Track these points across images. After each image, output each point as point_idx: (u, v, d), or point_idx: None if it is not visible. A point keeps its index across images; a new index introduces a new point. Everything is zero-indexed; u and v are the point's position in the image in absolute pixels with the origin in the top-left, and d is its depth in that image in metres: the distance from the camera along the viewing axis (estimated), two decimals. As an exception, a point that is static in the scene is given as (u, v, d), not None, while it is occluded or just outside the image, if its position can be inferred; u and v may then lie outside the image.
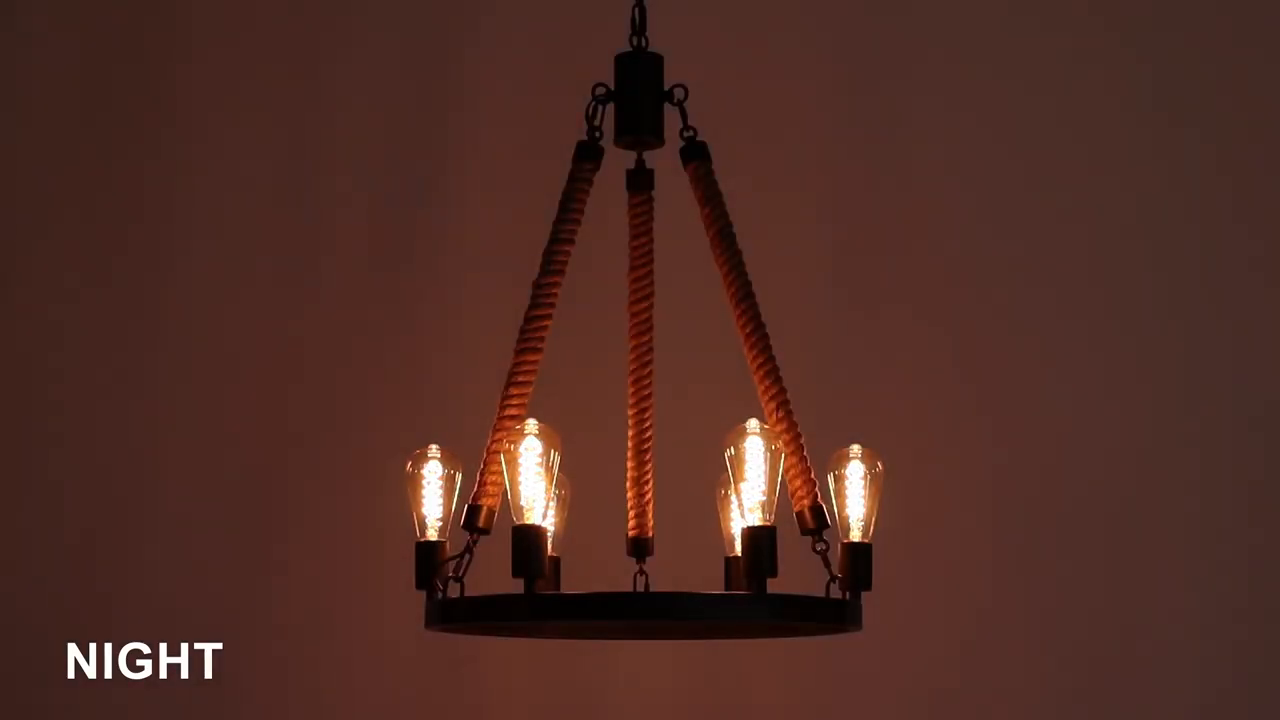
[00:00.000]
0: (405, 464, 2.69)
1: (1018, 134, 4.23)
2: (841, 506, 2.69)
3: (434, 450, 2.69)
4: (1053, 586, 4.11)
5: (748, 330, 2.68)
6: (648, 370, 2.81)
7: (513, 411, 2.62)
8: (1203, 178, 4.19)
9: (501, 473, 2.56)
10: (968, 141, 4.22)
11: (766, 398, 2.66)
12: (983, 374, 4.18)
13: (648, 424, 2.80)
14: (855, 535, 2.69)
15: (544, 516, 2.54)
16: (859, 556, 2.67)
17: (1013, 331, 4.19)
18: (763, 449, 2.55)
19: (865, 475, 2.70)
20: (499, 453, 2.57)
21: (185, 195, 4.22)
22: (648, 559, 2.79)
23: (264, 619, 4.11)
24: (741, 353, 2.68)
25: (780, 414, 2.64)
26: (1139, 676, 4.09)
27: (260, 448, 4.16)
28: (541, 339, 2.66)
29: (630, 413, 2.80)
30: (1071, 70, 4.23)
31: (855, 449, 2.71)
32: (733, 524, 2.82)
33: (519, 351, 2.65)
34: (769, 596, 2.57)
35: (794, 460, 2.63)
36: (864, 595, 2.66)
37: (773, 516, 2.54)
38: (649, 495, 2.80)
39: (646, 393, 2.81)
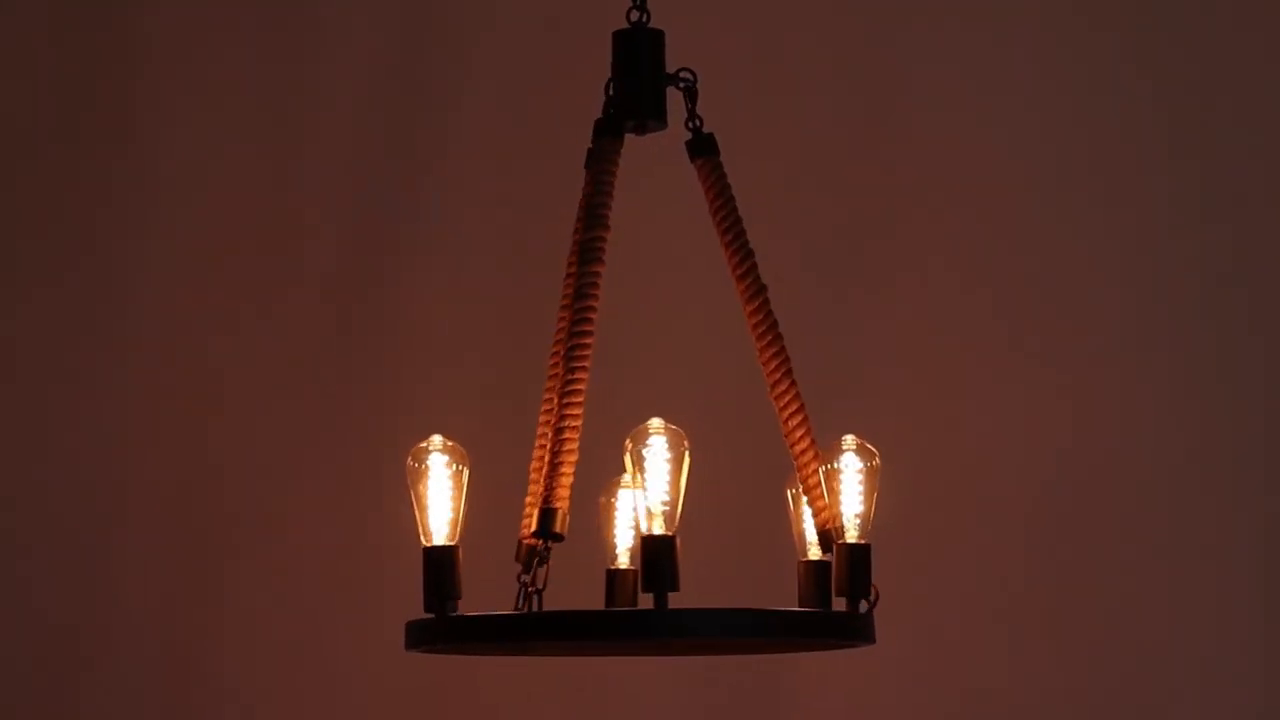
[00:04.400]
0: (407, 460, 2.45)
1: (1032, 121, 3.96)
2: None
3: (437, 441, 2.44)
4: (1056, 587, 3.86)
5: (760, 330, 2.47)
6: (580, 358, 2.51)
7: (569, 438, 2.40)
8: (1208, 173, 3.93)
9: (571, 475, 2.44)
10: (980, 131, 3.96)
11: (781, 404, 2.45)
12: (984, 372, 3.94)
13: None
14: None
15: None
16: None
17: (1016, 327, 3.94)
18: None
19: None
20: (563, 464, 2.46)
21: (164, 188, 4.07)
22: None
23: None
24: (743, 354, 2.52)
25: (795, 421, 2.43)
26: (1159, 676, 3.84)
27: (257, 449, 4.04)
28: (589, 355, 2.43)
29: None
30: (1085, 57, 3.95)
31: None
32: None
33: (568, 360, 2.48)
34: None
35: (810, 473, 2.43)
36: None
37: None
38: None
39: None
